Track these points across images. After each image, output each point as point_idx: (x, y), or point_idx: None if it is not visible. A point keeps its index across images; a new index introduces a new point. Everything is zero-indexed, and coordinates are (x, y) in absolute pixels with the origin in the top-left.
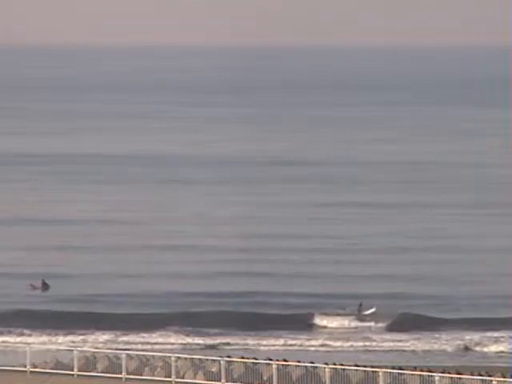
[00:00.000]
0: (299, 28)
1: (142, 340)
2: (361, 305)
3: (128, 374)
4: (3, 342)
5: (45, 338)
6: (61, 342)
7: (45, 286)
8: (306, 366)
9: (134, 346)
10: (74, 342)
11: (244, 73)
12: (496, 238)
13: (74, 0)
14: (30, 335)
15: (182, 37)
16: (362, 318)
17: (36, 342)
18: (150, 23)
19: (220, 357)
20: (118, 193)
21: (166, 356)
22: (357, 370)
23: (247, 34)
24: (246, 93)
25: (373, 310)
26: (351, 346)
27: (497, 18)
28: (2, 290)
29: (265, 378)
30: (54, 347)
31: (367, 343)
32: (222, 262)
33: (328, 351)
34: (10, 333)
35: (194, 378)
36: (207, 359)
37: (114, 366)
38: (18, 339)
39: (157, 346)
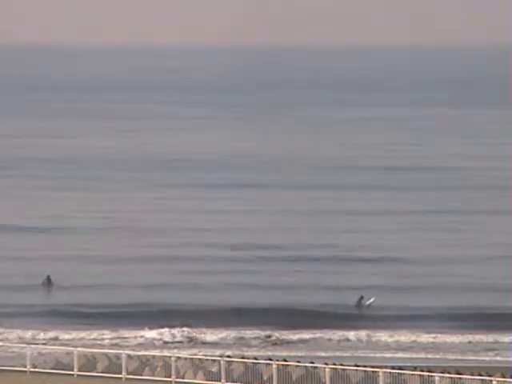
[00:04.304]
0: (300, 28)
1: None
2: (361, 297)
3: (128, 374)
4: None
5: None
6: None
7: (49, 283)
8: (306, 366)
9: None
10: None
11: (244, 73)
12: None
13: (74, 0)
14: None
15: (182, 37)
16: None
17: (36, 342)
18: (150, 23)
19: (220, 357)
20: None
21: (165, 356)
22: (357, 370)
23: (247, 33)
24: (246, 93)
25: (372, 299)
26: None
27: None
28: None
29: (265, 378)
30: (54, 347)
31: None
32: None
33: None
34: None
35: (194, 378)
36: (207, 359)
37: (113, 366)
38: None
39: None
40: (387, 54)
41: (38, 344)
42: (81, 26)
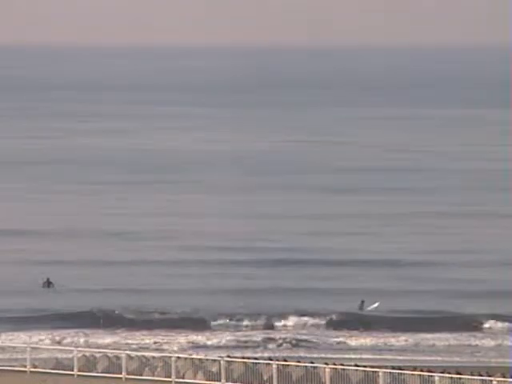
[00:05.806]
0: (299, 28)
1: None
2: (363, 302)
3: (128, 373)
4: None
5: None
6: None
7: (48, 284)
8: (305, 366)
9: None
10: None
11: (244, 72)
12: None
13: (74, 0)
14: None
15: (182, 37)
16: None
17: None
18: (150, 23)
19: (220, 357)
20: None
21: (165, 356)
22: (357, 370)
23: (247, 34)
24: (246, 92)
25: (376, 304)
26: None
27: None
28: None
29: (265, 378)
30: (54, 347)
31: None
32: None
33: None
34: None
35: (194, 378)
36: (207, 359)
37: (114, 365)
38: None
39: None
40: (387, 54)
41: (37, 345)
42: (81, 25)
